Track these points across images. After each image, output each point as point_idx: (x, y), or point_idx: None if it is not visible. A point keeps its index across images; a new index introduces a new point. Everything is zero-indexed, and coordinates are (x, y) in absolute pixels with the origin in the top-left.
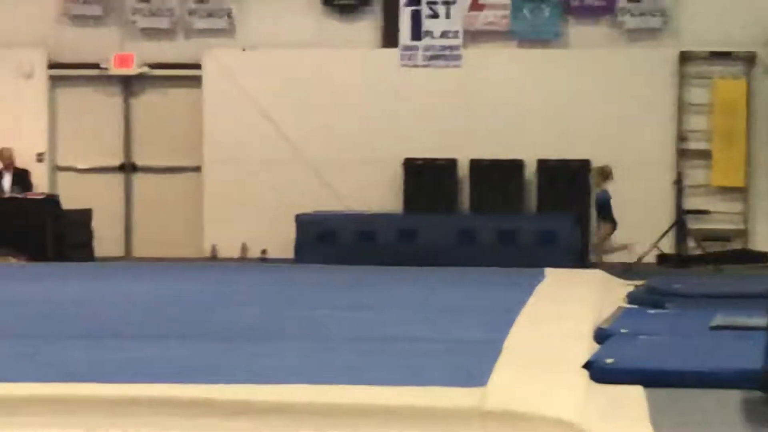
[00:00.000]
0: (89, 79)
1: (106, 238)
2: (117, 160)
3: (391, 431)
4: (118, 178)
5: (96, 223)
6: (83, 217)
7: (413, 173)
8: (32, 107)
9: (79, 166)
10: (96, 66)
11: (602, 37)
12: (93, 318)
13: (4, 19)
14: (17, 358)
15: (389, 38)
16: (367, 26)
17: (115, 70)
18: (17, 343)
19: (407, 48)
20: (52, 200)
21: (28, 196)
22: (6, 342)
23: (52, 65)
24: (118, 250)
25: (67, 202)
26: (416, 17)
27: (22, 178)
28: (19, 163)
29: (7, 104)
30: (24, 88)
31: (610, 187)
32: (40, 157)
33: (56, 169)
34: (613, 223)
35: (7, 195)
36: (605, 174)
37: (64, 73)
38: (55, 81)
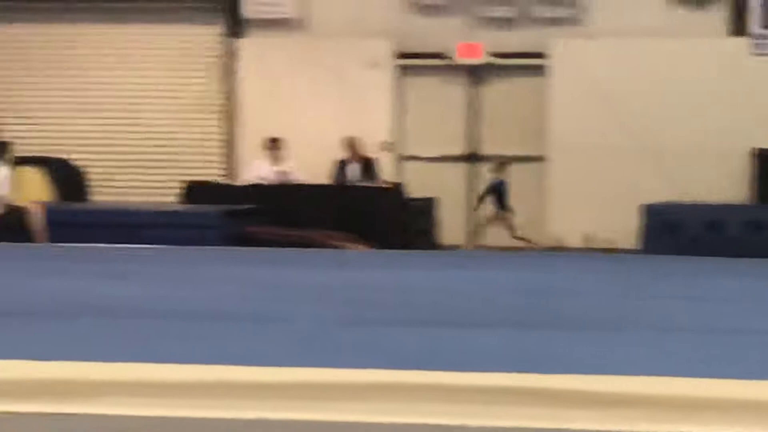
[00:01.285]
0: (434, 69)
1: (449, 227)
2: (461, 150)
3: (742, 426)
4: (462, 168)
5: (440, 212)
6: (427, 205)
7: (764, 164)
8: (379, 97)
9: (424, 156)
10: (441, 56)
11: None
12: (434, 306)
13: (353, 9)
14: (358, 345)
15: (738, 27)
16: (715, 15)
17: (461, 60)
18: (359, 330)
19: (758, 36)
20: (397, 189)
21: (374, 185)
22: (348, 328)
23: (399, 55)
24: (460, 239)
25: (412, 191)
26: (767, 4)
27: (368, 167)
28: (366, 151)
29: (354, 94)
30: (371, 78)
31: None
32: (385, 146)
33: (401, 158)
34: (506, 211)
35: (353, 184)
36: (503, 164)
37: (410, 62)
38: (401, 71)
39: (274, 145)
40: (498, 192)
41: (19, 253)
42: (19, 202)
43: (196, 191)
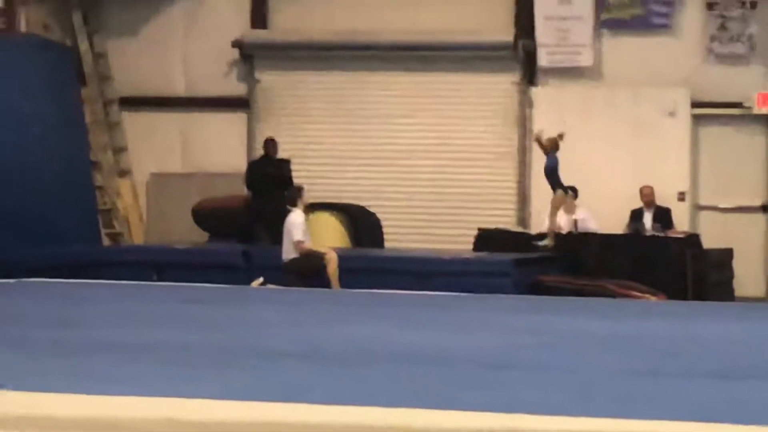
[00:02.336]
0: (731, 118)
1: (746, 279)
2: (759, 200)
3: None
4: (760, 219)
5: (736, 263)
6: (724, 256)
7: None
8: (675, 146)
9: (721, 206)
10: (739, 105)
11: None
12: (727, 358)
13: (651, 59)
14: (652, 397)
15: None
16: None
17: (759, 110)
18: (653, 381)
19: None
20: (692, 239)
21: (669, 235)
22: (643, 379)
23: (695, 104)
24: (758, 291)
25: (708, 241)
26: None
27: (663, 216)
28: (661, 201)
29: (650, 142)
30: (667, 126)
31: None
32: (681, 196)
33: (697, 207)
34: (563, 190)
35: (648, 233)
36: (554, 142)
37: (707, 111)
38: (697, 120)
39: (569, 194)
40: (547, 170)
41: (315, 299)
42: (315, 248)
43: (488, 239)
